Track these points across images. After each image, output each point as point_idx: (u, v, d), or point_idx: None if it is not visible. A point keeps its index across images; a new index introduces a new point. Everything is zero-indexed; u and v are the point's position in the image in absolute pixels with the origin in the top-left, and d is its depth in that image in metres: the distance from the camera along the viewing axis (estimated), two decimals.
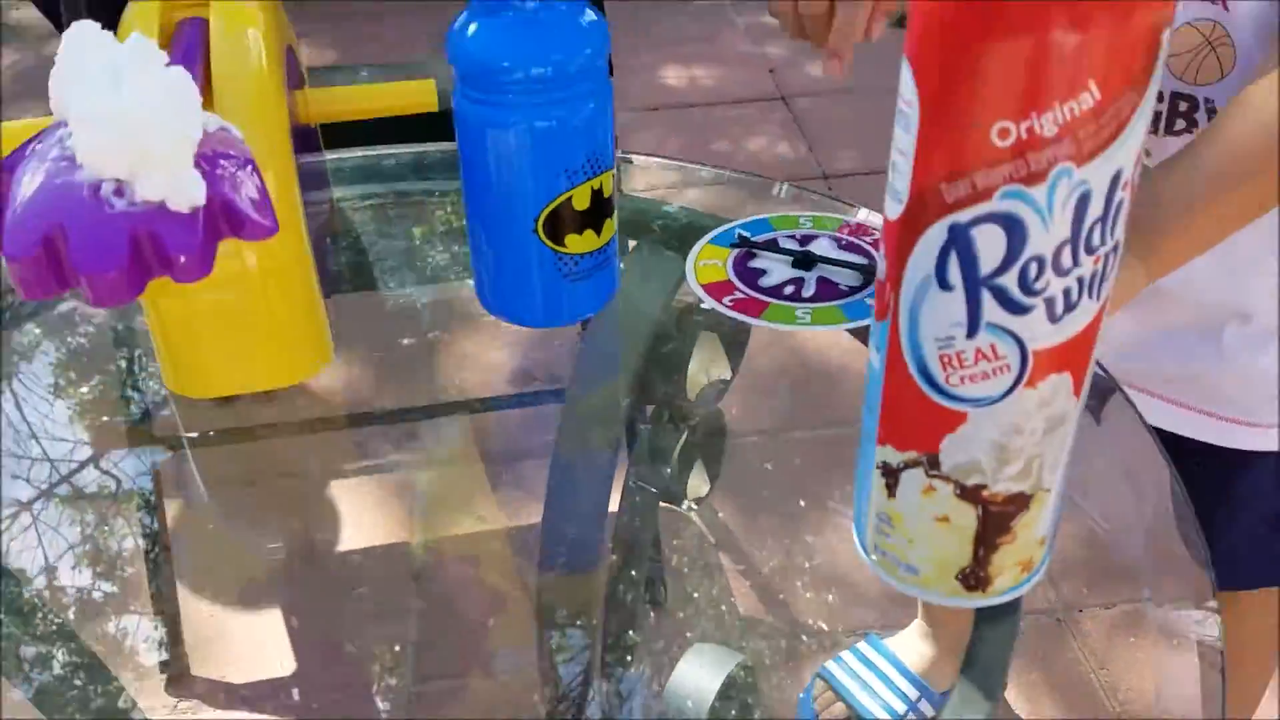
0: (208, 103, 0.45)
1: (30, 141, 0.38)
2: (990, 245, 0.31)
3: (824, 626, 0.42)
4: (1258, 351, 0.66)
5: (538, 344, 0.58)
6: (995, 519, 0.36)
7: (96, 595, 0.44)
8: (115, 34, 0.39)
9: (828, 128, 2.34)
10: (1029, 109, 0.29)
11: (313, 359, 0.52)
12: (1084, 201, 0.30)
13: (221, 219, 0.36)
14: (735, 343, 0.58)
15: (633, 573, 0.44)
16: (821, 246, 0.60)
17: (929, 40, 0.30)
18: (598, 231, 0.53)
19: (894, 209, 0.33)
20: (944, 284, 0.32)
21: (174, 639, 0.44)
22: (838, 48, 0.57)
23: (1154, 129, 0.62)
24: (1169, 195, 0.53)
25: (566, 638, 0.42)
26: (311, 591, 0.45)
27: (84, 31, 0.36)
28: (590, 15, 0.49)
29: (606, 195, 0.52)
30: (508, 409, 0.57)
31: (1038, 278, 0.31)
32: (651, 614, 0.43)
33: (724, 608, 0.43)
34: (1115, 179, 0.30)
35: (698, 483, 0.52)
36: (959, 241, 0.31)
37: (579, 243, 0.52)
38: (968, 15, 0.28)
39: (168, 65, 0.36)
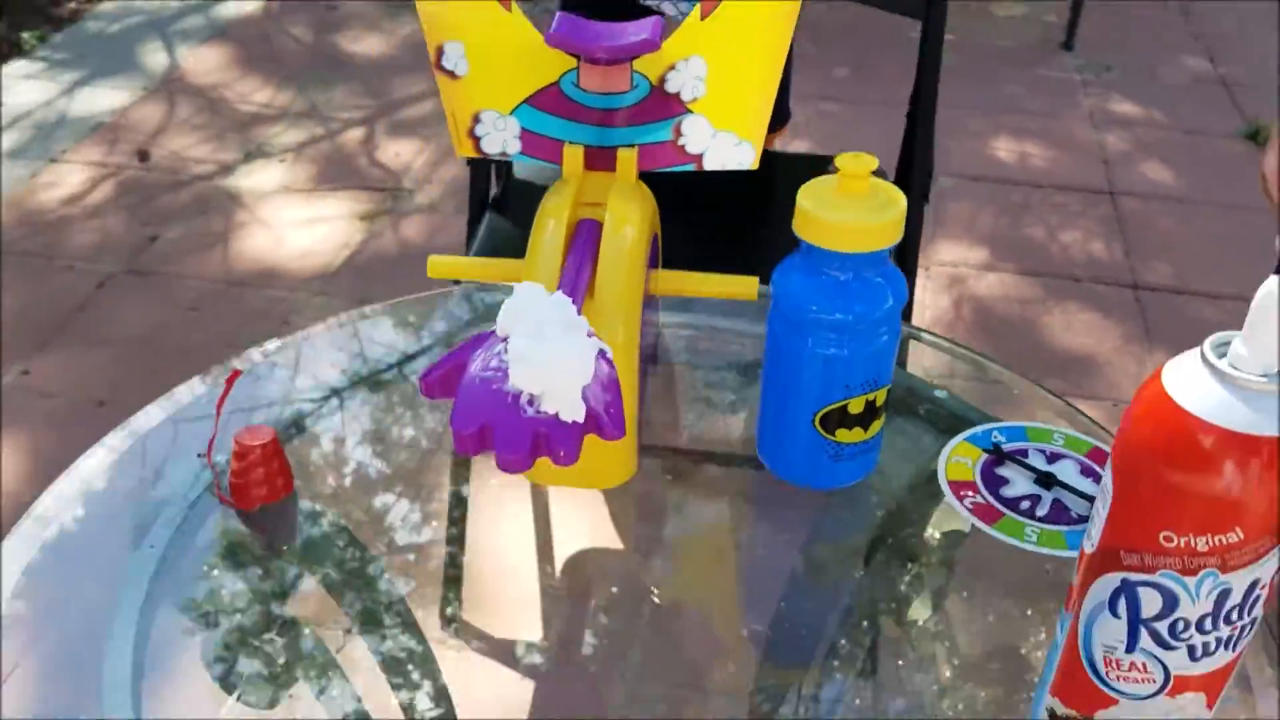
0: (593, 280, 0.68)
1: (483, 337, 0.59)
2: (1150, 601, 0.47)
3: None
4: None
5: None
6: None
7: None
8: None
9: (1150, 234, 2.38)
10: (1189, 529, 0.45)
11: (622, 471, 0.73)
12: (1225, 594, 0.46)
13: (590, 424, 0.57)
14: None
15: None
16: (1065, 470, 0.75)
17: (1128, 452, 0.46)
18: (865, 429, 0.71)
19: (1089, 544, 0.49)
20: (1114, 613, 0.48)
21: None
22: None
23: None
24: None
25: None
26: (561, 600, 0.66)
27: (532, 289, 0.58)
28: (892, 268, 0.66)
29: (879, 405, 0.70)
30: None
31: (1183, 631, 0.47)
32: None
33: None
34: (1253, 584, 0.45)
35: (920, 609, 0.68)
36: (1128, 591, 0.47)
37: (848, 435, 0.70)
38: (1164, 461, 0.43)
39: (582, 330, 0.57)
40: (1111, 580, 0.48)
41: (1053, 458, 0.77)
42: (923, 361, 0.89)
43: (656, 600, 0.69)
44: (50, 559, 0.69)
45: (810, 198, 0.67)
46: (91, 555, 0.71)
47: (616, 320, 0.70)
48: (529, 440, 0.57)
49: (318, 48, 3.14)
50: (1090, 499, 0.74)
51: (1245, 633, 0.48)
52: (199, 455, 0.77)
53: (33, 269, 2.23)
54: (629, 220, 0.70)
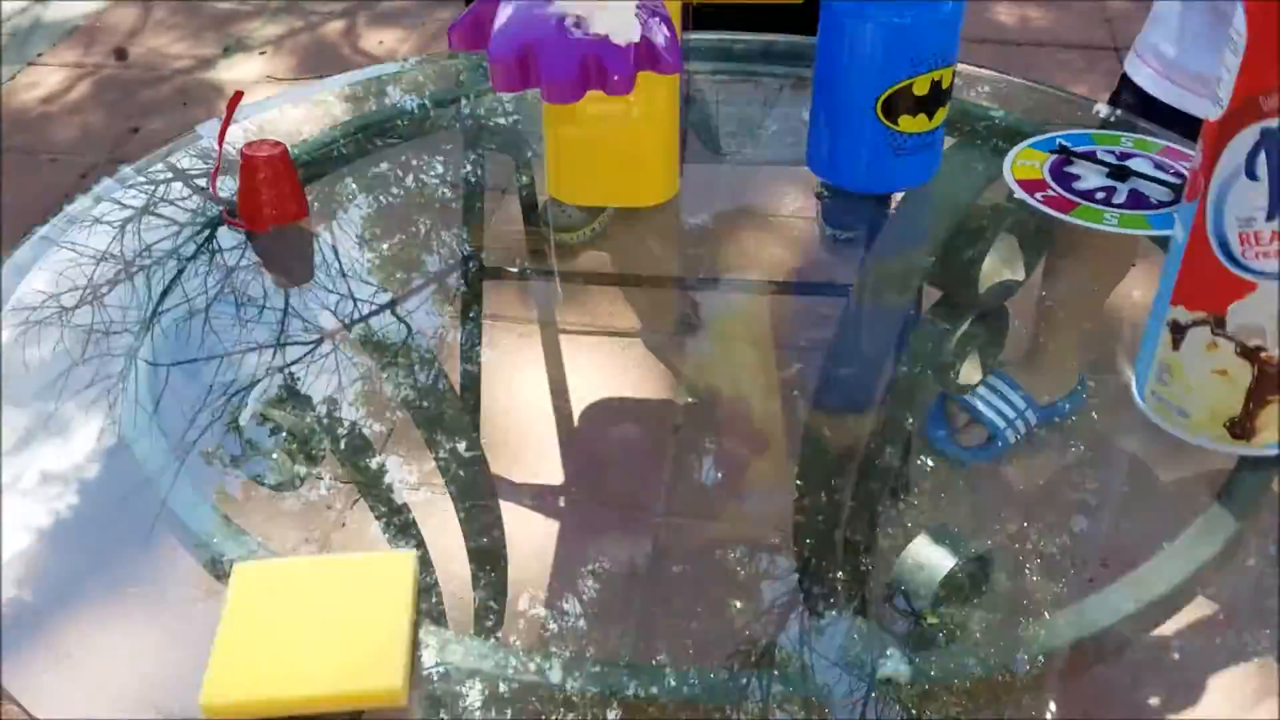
0: None
1: None
2: None
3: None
4: None
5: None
6: (1269, 378, 0.47)
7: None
8: None
9: None
10: None
11: (665, 189, 0.68)
12: None
13: (644, 54, 0.51)
14: (1034, 247, 0.68)
15: (888, 447, 0.55)
16: (1138, 164, 0.70)
17: None
18: (930, 116, 0.65)
19: (1215, 112, 0.44)
20: (1251, 175, 0.43)
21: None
22: None
23: None
24: None
25: (814, 497, 0.52)
26: (581, 433, 0.56)
27: None
28: None
29: (945, 86, 0.64)
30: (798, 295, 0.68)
31: None
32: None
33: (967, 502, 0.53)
34: None
35: (969, 370, 0.62)
36: (1269, 142, 0.42)
37: (911, 124, 0.65)
38: None
39: None
40: (1248, 137, 0.43)
41: (1123, 156, 0.71)
42: (971, 91, 0.83)
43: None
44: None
45: None
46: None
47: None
48: (577, 62, 0.51)
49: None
50: (1168, 185, 0.68)
51: None
52: (201, 189, 0.71)
53: (16, 164, 2.15)
54: None
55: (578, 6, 0.51)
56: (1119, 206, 0.67)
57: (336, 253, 0.67)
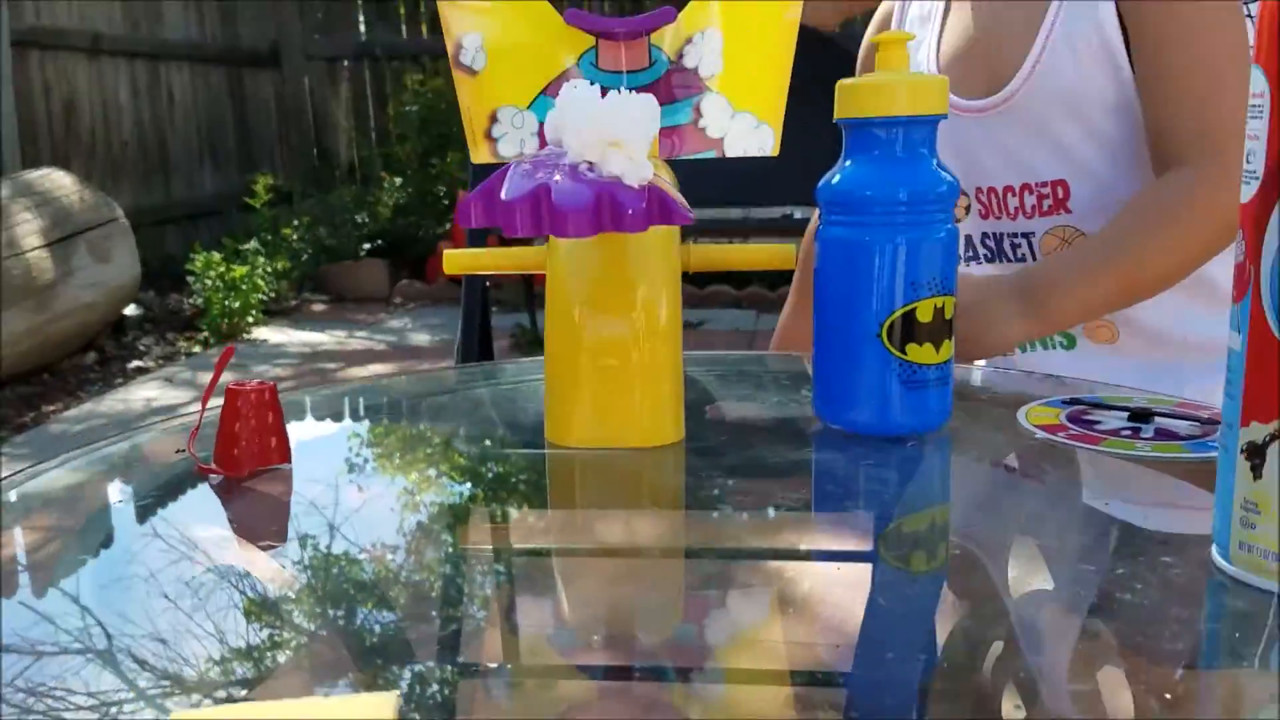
0: (629, 263, 0.64)
1: (519, 163, 0.53)
2: None
3: None
4: None
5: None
6: None
7: None
8: None
9: None
10: None
11: (669, 432, 0.63)
12: None
13: (656, 202, 0.50)
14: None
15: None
16: (1160, 413, 0.67)
17: (1274, 27, 0.40)
18: (936, 348, 0.63)
19: (1250, 190, 0.42)
20: None
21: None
22: None
23: None
24: (1063, 274, 0.85)
25: None
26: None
27: (580, 84, 0.53)
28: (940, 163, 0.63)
29: (948, 317, 0.63)
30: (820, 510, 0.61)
31: None
32: None
33: None
34: None
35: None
36: None
37: (919, 353, 0.62)
38: None
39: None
40: None
41: (1141, 410, 0.68)
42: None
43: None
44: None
45: (848, 80, 0.64)
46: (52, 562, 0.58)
47: (658, 301, 0.65)
48: (592, 197, 0.49)
49: None
50: (1196, 419, 0.65)
51: None
52: (178, 450, 0.66)
53: None
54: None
55: (589, 152, 0.51)
56: (1148, 440, 0.63)
57: (315, 504, 0.61)
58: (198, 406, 0.65)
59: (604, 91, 0.72)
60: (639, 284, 0.65)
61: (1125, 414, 0.67)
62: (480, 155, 0.74)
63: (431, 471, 0.66)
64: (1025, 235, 0.98)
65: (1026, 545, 0.53)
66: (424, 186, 5.25)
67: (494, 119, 0.74)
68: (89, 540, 0.56)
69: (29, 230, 3.53)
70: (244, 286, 4.22)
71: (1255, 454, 0.44)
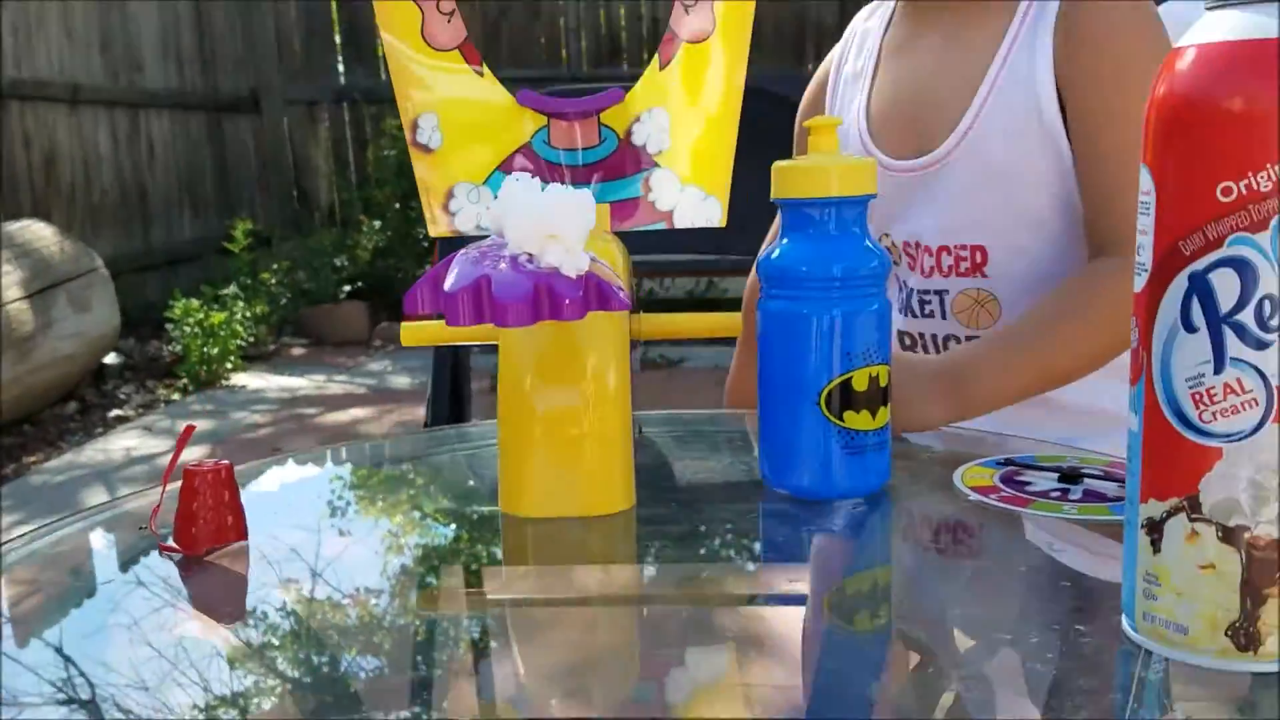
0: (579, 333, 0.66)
1: (463, 252, 0.56)
2: (1226, 286, 0.42)
3: None
4: None
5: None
6: (1260, 565, 0.43)
7: None
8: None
9: None
10: (1246, 168, 0.41)
11: (620, 500, 0.66)
12: None
13: (594, 290, 0.52)
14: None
15: None
16: (1089, 470, 0.69)
17: (1161, 133, 0.43)
18: (873, 415, 0.65)
19: (1140, 281, 0.45)
20: (1189, 327, 0.43)
21: None
22: None
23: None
24: (985, 362, 0.86)
25: None
26: None
27: (522, 177, 0.56)
28: (874, 240, 0.66)
29: (883, 385, 0.65)
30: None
31: (1272, 315, 0.42)
32: None
33: None
34: None
35: None
36: (1199, 287, 0.43)
37: (856, 420, 0.65)
38: (1191, 108, 0.42)
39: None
40: (1178, 287, 0.43)
41: (1071, 470, 0.71)
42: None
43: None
44: None
45: (783, 162, 0.67)
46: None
47: (607, 369, 0.67)
48: (530, 287, 0.52)
49: None
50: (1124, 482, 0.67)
51: None
52: (140, 528, 0.67)
53: None
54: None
55: (530, 244, 0.53)
56: (1076, 501, 0.66)
57: (270, 581, 0.63)
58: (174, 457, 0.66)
59: (555, 169, 0.75)
60: (589, 355, 0.67)
61: (1056, 475, 0.69)
62: (438, 229, 0.76)
63: (383, 547, 0.68)
64: (939, 293, 0.99)
65: (946, 612, 0.56)
66: (403, 229, 5.28)
67: (451, 194, 0.76)
68: (53, 618, 0.58)
69: (10, 281, 3.54)
70: (222, 333, 4.23)
71: (1154, 529, 0.46)
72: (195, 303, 4.26)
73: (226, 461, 0.64)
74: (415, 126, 0.76)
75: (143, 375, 4.28)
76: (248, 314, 4.51)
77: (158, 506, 0.67)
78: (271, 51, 6.03)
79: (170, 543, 0.63)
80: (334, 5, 6.09)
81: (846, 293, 0.65)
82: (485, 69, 0.76)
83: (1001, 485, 0.69)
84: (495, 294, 0.51)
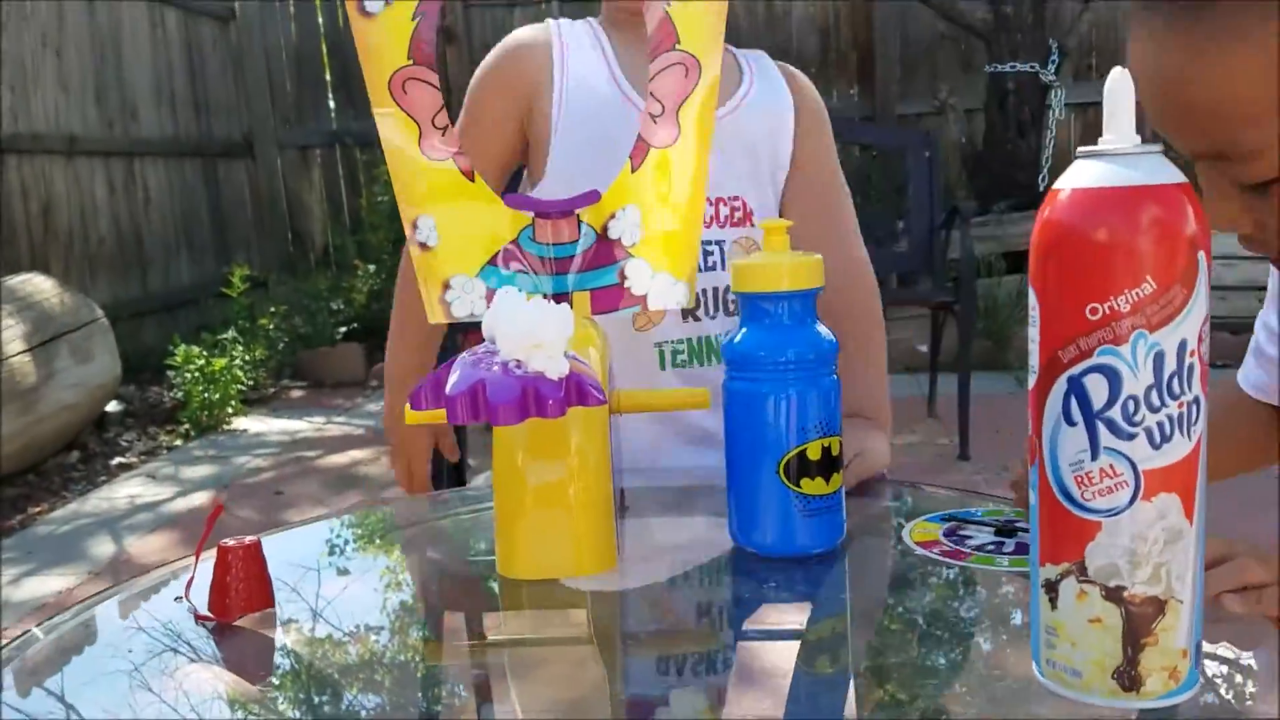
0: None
1: (460, 358, 0.64)
2: (1097, 388, 0.51)
3: None
4: None
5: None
6: (1137, 619, 0.52)
7: None
8: None
9: None
10: (1109, 292, 0.50)
11: (603, 561, 0.75)
12: (1160, 358, 0.50)
13: (574, 389, 0.61)
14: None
15: None
16: (1023, 530, 0.77)
17: (1040, 260, 0.52)
18: (827, 480, 0.74)
19: (1031, 379, 0.53)
20: (1070, 421, 0.52)
21: None
22: None
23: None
24: (862, 389, 1.08)
25: None
26: None
27: (510, 292, 0.65)
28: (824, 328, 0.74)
29: (835, 454, 0.74)
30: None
31: (1135, 412, 0.50)
32: None
33: None
34: (1182, 346, 0.50)
35: None
36: (1075, 389, 0.51)
37: (812, 486, 0.73)
38: (1064, 242, 0.50)
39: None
40: (1060, 389, 0.52)
41: (1008, 524, 0.79)
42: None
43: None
44: None
45: (741, 261, 0.76)
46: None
47: (590, 441, 0.76)
48: (518, 392, 0.60)
49: (267, 526, 3.22)
50: None
51: (1195, 416, 0.51)
52: (177, 598, 0.75)
53: None
54: (588, 349, 0.78)
55: (518, 352, 0.62)
56: (1009, 554, 0.74)
57: (294, 653, 0.71)
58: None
59: (541, 261, 0.84)
60: (572, 435, 0.75)
61: (993, 529, 0.78)
62: (436, 316, 0.85)
63: (393, 610, 0.76)
64: (718, 243, 1.09)
65: (888, 656, 0.64)
66: (397, 273, 5.36)
67: (447, 286, 0.85)
68: (100, 684, 0.66)
69: (12, 335, 3.62)
70: (223, 378, 4.31)
71: (1050, 589, 0.54)
72: (196, 349, 4.34)
73: (256, 538, 0.73)
74: (415, 226, 0.85)
75: (144, 422, 4.36)
76: (247, 358, 4.59)
77: (191, 579, 0.75)
78: (264, 97, 6.15)
79: (205, 611, 0.71)
80: (324, 50, 6.21)
81: (800, 374, 0.74)
82: (477, 176, 0.85)
83: (944, 539, 0.77)
84: (489, 397, 0.60)
